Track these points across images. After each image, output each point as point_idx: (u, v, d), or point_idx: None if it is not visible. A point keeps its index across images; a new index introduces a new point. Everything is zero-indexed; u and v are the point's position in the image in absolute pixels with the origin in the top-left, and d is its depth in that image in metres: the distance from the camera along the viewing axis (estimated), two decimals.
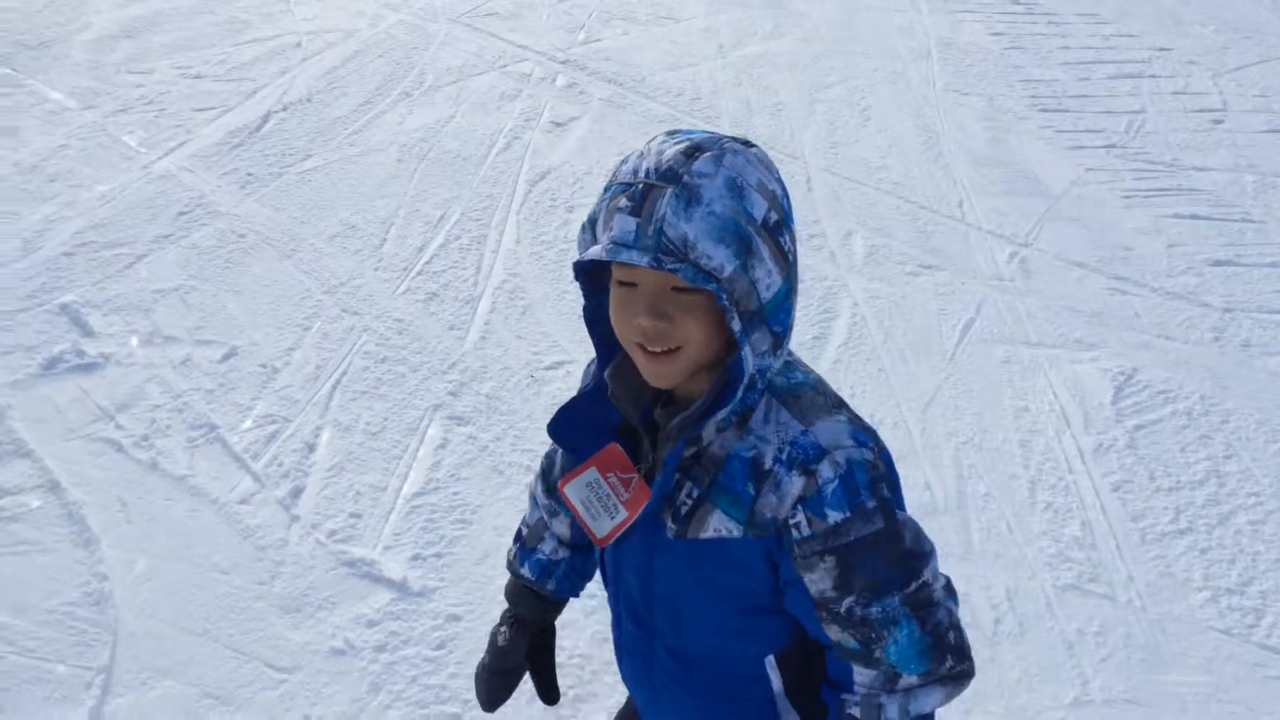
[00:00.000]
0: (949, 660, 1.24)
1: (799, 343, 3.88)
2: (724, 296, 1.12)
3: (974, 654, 1.28)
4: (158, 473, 3.15)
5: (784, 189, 1.21)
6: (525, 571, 1.58)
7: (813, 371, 1.32)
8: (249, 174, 4.86)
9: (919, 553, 1.24)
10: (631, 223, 1.12)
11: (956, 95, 6.07)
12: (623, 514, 1.28)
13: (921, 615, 1.22)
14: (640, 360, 1.20)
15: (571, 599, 1.63)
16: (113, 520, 2.96)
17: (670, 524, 1.26)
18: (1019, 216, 4.85)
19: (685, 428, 1.22)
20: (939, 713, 1.31)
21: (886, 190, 5.03)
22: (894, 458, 1.29)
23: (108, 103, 5.43)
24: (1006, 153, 5.44)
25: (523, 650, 1.58)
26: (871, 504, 1.19)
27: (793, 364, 1.31)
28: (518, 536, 1.63)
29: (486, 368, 3.68)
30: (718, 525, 1.23)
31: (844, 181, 5.09)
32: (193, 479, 3.13)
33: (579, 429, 1.32)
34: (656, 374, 1.20)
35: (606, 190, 1.18)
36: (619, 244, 1.13)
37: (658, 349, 1.17)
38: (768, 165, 1.20)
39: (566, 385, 3.59)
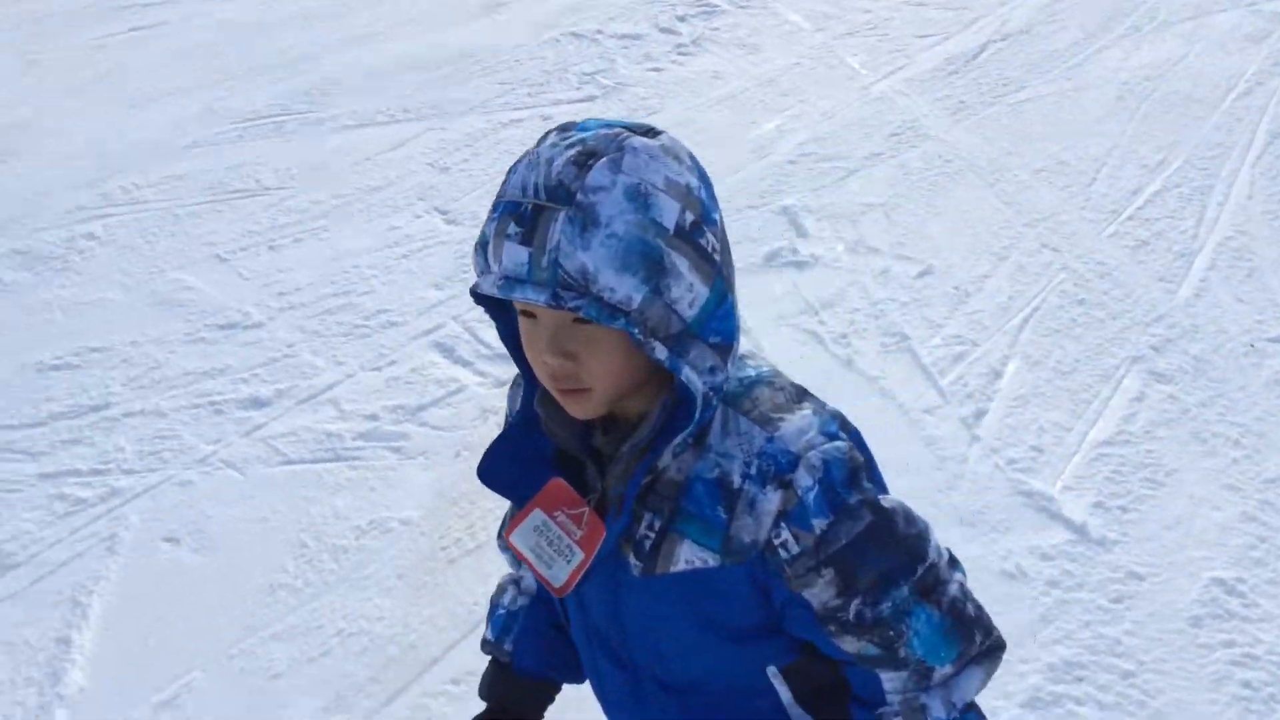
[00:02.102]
0: (977, 636, 1.11)
1: None
2: (636, 331, 0.96)
3: None
4: (853, 370, 3.38)
5: (700, 175, 1.02)
6: (488, 632, 1.37)
7: (765, 362, 1.14)
8: (961, 101, 4.93)
9: (915, 534, 1.10)
10: (523, 253, 0.96)
11: None
12: (579, 555, 1.10)
13: (935, 597, 1.09)
14: (555, 395, 1.06)
15: (551, 686, 1.35)
16: None
17: (634, 560, 1.10)
18: None
19: (639, 455, 1.06)
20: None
21: None
22: None
23: (837, 26, 5.83)
24: None
25: None
26: (854, 499, 1.05)
27: (741, 358, 1.12)
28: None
29: (1198, 327, 3.36)
30: (689, 556, 1.07)
31: None
32: (883, 381, 3.31)
33: (513, 467, 1.14)
34: (574, 408, 1.05)
35: (495, 208, 1.00)
36: (511, 279, 0.97)
37: (568, 387, 1.03)
38: (677, 155, 1.01)
39: None
